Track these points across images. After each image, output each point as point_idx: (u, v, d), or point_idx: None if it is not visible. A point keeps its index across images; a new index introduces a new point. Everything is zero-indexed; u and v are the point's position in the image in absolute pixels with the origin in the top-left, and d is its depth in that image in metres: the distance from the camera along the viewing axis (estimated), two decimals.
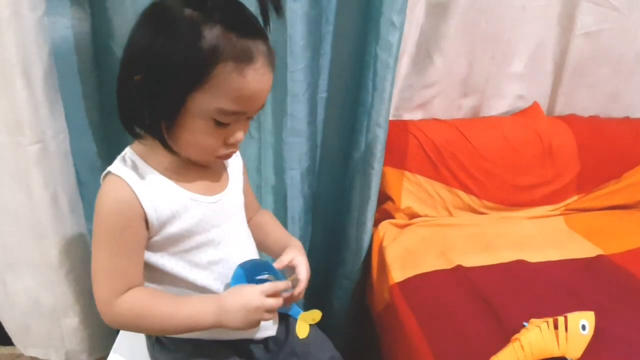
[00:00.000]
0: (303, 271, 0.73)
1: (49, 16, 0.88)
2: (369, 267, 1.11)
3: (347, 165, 1.11)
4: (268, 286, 0.65)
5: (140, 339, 0.84)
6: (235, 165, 0.77)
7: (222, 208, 0.71)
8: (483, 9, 1.15)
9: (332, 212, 1.16)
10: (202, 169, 0.69)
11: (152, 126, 0.62)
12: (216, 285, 0.70)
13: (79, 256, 1.04)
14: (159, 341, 0.74)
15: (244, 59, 0.57)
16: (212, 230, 0.69)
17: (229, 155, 0.67)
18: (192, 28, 0.56)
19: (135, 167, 0.64)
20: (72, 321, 1.09)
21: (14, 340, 1.17)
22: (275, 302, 0.65)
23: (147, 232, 0.64)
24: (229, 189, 0.73)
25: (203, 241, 0.68)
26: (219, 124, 0.60)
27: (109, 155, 1.05)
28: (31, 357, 1.21)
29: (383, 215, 1.16)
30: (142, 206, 0.62)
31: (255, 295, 0.64)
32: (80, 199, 1.04)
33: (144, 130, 0.64)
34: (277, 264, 0.73)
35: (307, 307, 0.76)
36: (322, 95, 1.04)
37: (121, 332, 0.92)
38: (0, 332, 1.15)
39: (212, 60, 0.56)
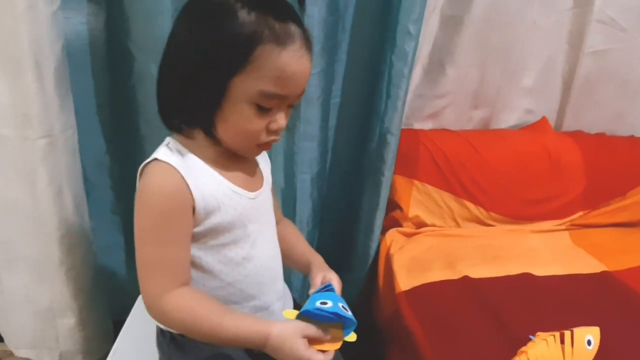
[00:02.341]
0: (337, 287, 0.72)
1: (64, 11, 0.88)
2: (375, 274, 1.10)
3: (357, 171, 1.11)
4: (312, 331, 0.61)
5: (142, 338, 0.82)
6: (265, 165, 0.76)
7: (259, 205, 0.70)
8: (496, 23, 1.16)
9: (340, 217, 1.15)
10: (241, 163, 0.68)
11: (195, 115, 0.62)
12: (245, 282, 0.69)
13: (80, 254, 1.02)
14: (173, 339, 0.72)
15: (283, 40, 0.58)
16: (250, 225, 0.68)
17: (269, 144, 0.66)
18: (229, 14, 0.57)
19: (181, 155, 0.63)
20: (68, 321, 1.06)
21: (5, 340, 1.14)
22: (324, 358, 0.61)
23: (193, 221, 0.63)
24: (264, 188, 0.72)
25: (241, 236, 0.68)
26: (261, 109, 0.60)
27: (118, 153, 1.05)
28: (24, 358, 1.18)
29: (391, 223, 1.16)
30: (191, 193, 0.61)
31: (301, 347, 0.60)
32: (85, 197, 1.02)
33: (185, 122, 0.63)
34: (313, 289, 0.72)
35: None
36: (336, 100, 1.04)
37: (122, 333, 0.90)
38: None
39: (252, 43, 0.57)
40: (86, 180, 1.01)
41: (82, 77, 0.96)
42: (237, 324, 0.62)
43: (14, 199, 0.94)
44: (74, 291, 1.03)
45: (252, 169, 0.72)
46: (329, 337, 0.62)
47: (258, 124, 0.62)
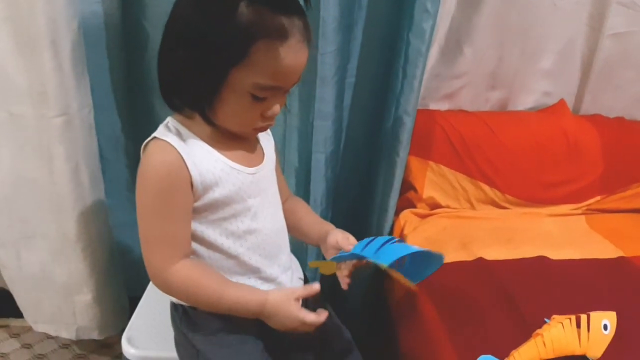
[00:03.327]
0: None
1: None
2: None
3: (372, 151, 1.10)
4: (300, 291, 0.69)
5: (158, 314, 0.83)
6: (267, 142, 0.78)
7: (259, 180, 0.72)
8: (515, 3, 1.14)
9: (354, 197, 1.15)
10: (240, 141, 0.70)
11: (192, 99, 0.64)
12: (248, 254, 0.71)
13: (96, 231, 1.03)
14: (185, 314, 0.74)
15: (279, 36, 0.58)
16: (249, 200, 0.70)
17: (265, 128, 0.69)
18: (229, 6, 0.57)
19: (179, 134, 0.66)
20: (85, 297, 1.08)
21: (25, 315, 1.16)
22: (316, 318, 0.68)
23: (192, 196, 0.65)
24: (264, 164, 0.74)
25: (240, 210, 0.69)
26: (256, 98, 0.62)
27: (133, 131, 1.05)
28: (42, 332, 1.21)
29: (405, 204, 1.15)
30: (188, 169, 0.63)
31: (294, 310, 0.67)
32: (102, 175, 1.03)
33: (184, 103, 0.65)
34: (332, 250, 0.76)
35: (323, 289, 0.74)
36: (351, 80, 1.03)
37: (138, 309, 0.92)
38: (12, 304, 1.15)
39: (248, 40, 0.58)
40: (102, 158, 1.02)
41: (97, 55, 0.96)
42: (237, 294, 0.67)
43: (32, 177, 0.96)
44: (90, 268, 1.04)
45: (251, 146, 0.73)
46: (317, 288, 0.69)
47: (253, 111, 0.64)
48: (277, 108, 0.65)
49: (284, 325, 0.68)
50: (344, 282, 0.74)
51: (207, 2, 0.59)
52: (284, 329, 0.68)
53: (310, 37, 0.63)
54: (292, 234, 0.83)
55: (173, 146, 0.63)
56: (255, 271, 0.73)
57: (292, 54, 0.60)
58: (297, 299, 0.68)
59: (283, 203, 0.82)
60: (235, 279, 0.71)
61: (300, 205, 0.87)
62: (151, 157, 0.64)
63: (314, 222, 0.84)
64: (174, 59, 0.62)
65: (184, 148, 0.64)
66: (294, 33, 0.59)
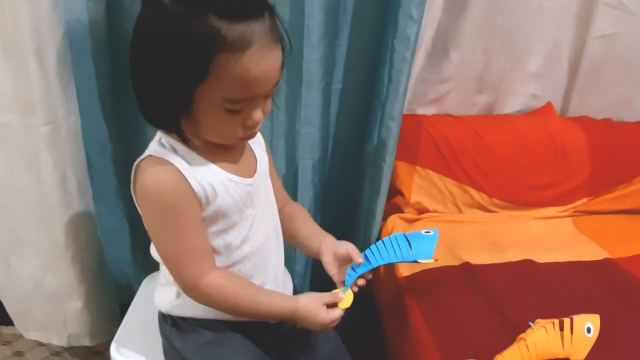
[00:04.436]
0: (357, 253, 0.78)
1: None
2: None
3: (359, 157, 1.11)
4: (328, 297, 0.72)
5: (147, 321, 0.83)
6: (258, 146, 0.77)
7: (256, 189, 0.72)
8: (501, 6, 1.14)
9: (341, 203, 1.15)
10: (232, 151, 0.70)
11: (167, 118, 0.63)
12: (242, 262, 0.72)
13: (85, 239, 1.04)
14: (175, 324, 0.74)
15: (239, 46, 0.56)
16: (247, 210, 0.70)
17: (250, 136, 0.68)
18: (182, 24, 0.55)
19: (174, 150, 0.65)
20: (75, 304, 1.08)
21: (15, 323, 1.17)
22: (340, 313, 0.72)
23: (200, 208, 0.65)
24: (259, 172, 0.73)
25: (238, 220, 0.70)
26: (231, 111, 0.61)
27: (120, 139, 1.06)
28: (33, 340, 1.21)
29: (392, 209, 1.15)
30: (189, 183, 0.63)
31: (323, 313, 0.70)
32: (90, 182, 1.03)
33: (160, 122, 0.65)
34: (336, 262, 0.79)
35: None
36: (337, 86, 1.03)
37: (127, 315, 0.92)
38: (2, 312, 1.15)
39: (207, 56, 0.56)
40: (90, 165, 1.02)
41: (83, 63, 0.96)
42: (271, 301, 0.70)
43: (19, 186, 0.96)
44: (80, 275, 1.05)
45: (243, 154, 0.73)
46: (343, 297, 0.73)
47: (232, 123, 0.62)
48: (257, 115, 0.63)
49: (314, 327, 0.71)
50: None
51: (161, 21, 0.57)
52: (315, 330, 0.72)
53: (278, 36, 0.60)
54: (290, 242, 0.83)
55: (171, 162, 0.63)
56: (248, 278, 0.73)
57: (256, 61, 0.57)
58: (325, 304, 0.71)
59: (281, 209, 0.82)
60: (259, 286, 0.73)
61: (298, 213, 0.86)
62: (151, 178, 0.63)
63: (313, 231, 0.83)
64: (141, 80, 0.61)
65: (181, 164, 0.63)
66: (254, 40, 0.56)
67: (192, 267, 0.66)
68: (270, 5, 0.60)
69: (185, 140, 0.64)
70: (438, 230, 0.83)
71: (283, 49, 0.62)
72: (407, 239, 0.80)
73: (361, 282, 0.76)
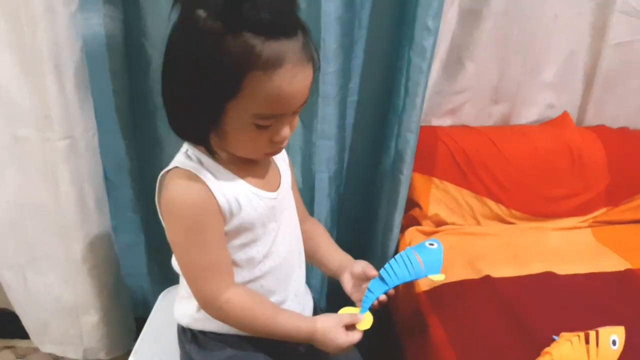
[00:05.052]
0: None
1: (82, 12, 0.88)
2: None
3: (376, 170, 1.10)
4: (347, 319, 0.71)
5: (164, 336, 0.83)
6: (281, 161, 0.77)
7: (279, 204, 0.72)
8: (515, 17, 1.13)
9: (358, 217, 1.15)
10: (256, 165, 0.70)
11: (195, 133, 0.63)
12: (265, 277, 0.71)
13: (103, 253, 1.04)
14: (195, 338, 0.74)
15: (272, 64, 0.56)
16: (270, 224, 0.70)
17: (277, 152, 0.68)
18: (215, 41, 0.55)
19: (200, 162, 0.65)
20: (92, 318, 1.08)
21: (31, 336, 1.17)
22: (359, 336, 0.71)
23: (223, 222, 0.65)
24: (283, 186, 0.73)
25: (261, 234, 0.69)
26: (260, 127, 0.61)
27: (137, 153, 1.06)
28: (48, 353, 1.21)
29: (410, 221, 1.14)
30: (214, 196, 0.63)
31: (341, 336, 0.69)
32: (107, 197, 1.03)
33: (190, 136, 0.65)
34: (353, 280, 0.78)
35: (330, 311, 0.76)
36: (353, 98, 1.03)
37: (144, 330, 0.91)
38: (18, 325, 1.15)
39: (240, 73, 0.56)
40: (107, 180, 1.03)
41: (100, 78, 0.96)
42: (289, 322, 0.69)
43: (37, 200, 0.96)
44: (97, 289, 1.05)
45: (268, 168, 0.73)
46: (362, 319, 0.72)
47: (260, 139, 0.62)
48: (285, 131, 0.63)
49: (332, 350, 0.70)
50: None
51: (193, 37, 0.56)
52: (331, 352, 0.71)
53: (312, 55, 0.61)
54: (308, 260, 0.82)
55: (197, 175, 0.63)
56: (269, 294, 0.72)
57: (289, 79, 0.57)
58: (344, 326, 0.70)
59: (301, 224, 0.81)
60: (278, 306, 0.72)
61: (317, 231, 0.86)
62: (178, 190, 0.63)
63: (332, 250, 0.83)
64: (173, 93, 0.61)
65: (207, 176, 0.63)
66: (288, 58, 0.56)
67: (212, 282, 0.65)
68: (304, 24, 0.60)
69: (212, 153, 0.64)
70: (440, 241, 0.82)
71: (313, 68, 0.62)
72: (416, 253, 0.80)
73: (383, 297, 0.75)
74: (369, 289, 0.76)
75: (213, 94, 0.57)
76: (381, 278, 0.77)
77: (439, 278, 0.79)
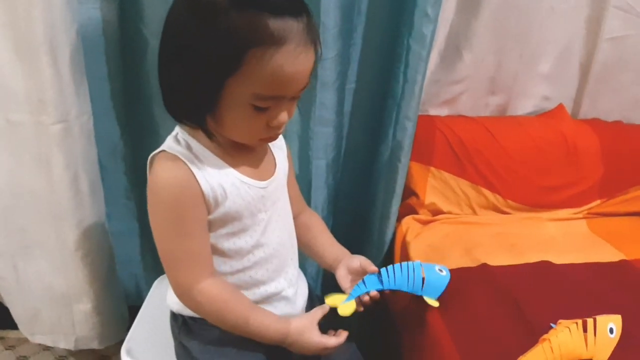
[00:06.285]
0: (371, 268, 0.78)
1: None
2: (391, 262, 1.08)
3: (373, 157, 1.10)
4: (319, 314, 0.71)
5: (158, 324, 0.82)
6: (279, 151, 0.76)
7: (270, 194, 0.70)
8: (513, 8, 1.14)
9: (355, 204, 1.14)
10: (250, 152, 0.68)
11: (192, 112, 0.62)
12: (254, 268, 0.70)
13: (96, 240, 1.02)
14: (185, 324, 0.73)
15: (275, 42, 0.55)
16: (260, 214, 0.69)
17: (273, 138, 0.67)
18: (219, 15, 0.54)
19: (189, 147, 0.64)
20: (84, 307, 1.06)
21: (20, 327, 1.14)
22: (336, 341, 0.70)
23: (206, 211, 0.64)
24: (276, 176, 0.72)
25: (250, 224, 0.68)
26: (258, 109, 0.59)
27: (132, 139, 1.05)
28: (39, 344, 1.19)
29: (406, 210, 1.14)
30: (199, 184, 0.62)
31: (315, 336, 0.68)
32: (101, 183, 1.02)
33: (185, 116, 0.63)
34: (349, 276, 0.78)
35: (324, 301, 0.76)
36: (351, 86, 1.03)
37: (137, 318, 0.90)
38: (7, 316, 1.13)
39: (241, 48, 0.55)
40: (101, 166, 1.01)
41: (96, 62, 0.95)
42: (262, 321, 0.67)
43: (30, 185, 0.94)
44: (89, 277, 1.03)
45: (262, 157, 0.71)
46: (327, 309, 0.72)
47: (257, 122, 0.61)
48: (283, 117, 0.62)
49: (307, 352, 0.69)
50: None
51: (196, 12, 0.56)
52: (307, 354, 0.69)
53: (315, 38, 0.60)
54: (304, 251, 0.81)
55: (182, 160, 0.62)
56: (258, 284, 0.71)
57: (291, 60, 0.56)
58: (317, 325, 0.69)
59: (297, 216, 0.80)
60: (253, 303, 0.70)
61: (315, 223, 0.85)
62: (162, 173, 0.63)
63: (329, 243, 0.83)
64: (171, 72, 0.60)
65: (194, 162, 0.62)
66: (292, 38, 0.55)
67: (188, 271, 0.64)
68: (308, 8, 0.59)
69: (209, 136, 0.63)
70: (450, 272, 0.83)
71: (315, 53, 0.61)
72: (423, 270, 0.80)
73: (375, 294, 0.75)
74: (362, 280, 0.75)
75: (213, 69, 0.56)
76: (379, 276, 0.76)
77: (432, 303, 0.80)
